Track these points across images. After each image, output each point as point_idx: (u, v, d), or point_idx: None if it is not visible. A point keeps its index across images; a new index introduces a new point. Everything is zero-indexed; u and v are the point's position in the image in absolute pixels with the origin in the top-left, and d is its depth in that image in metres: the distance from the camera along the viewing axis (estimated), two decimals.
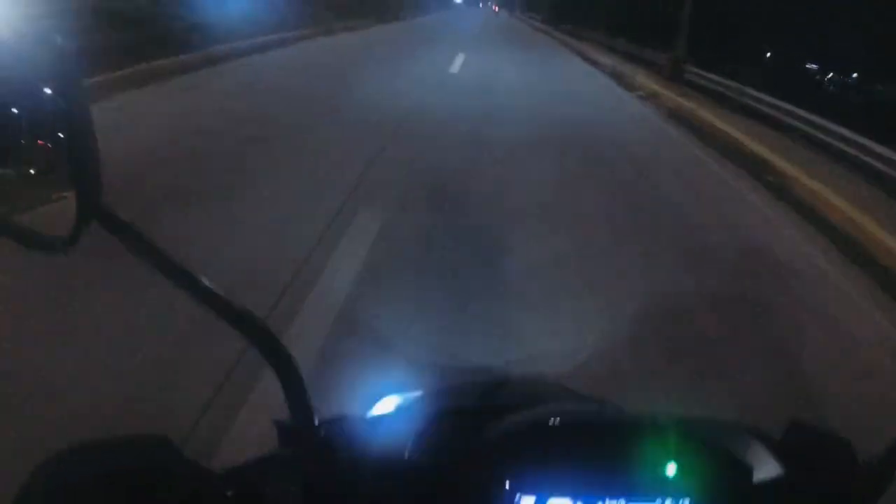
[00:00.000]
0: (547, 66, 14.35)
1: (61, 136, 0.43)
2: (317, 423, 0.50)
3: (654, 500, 0.49)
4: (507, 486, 0.48)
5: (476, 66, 11.98)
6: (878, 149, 5.98)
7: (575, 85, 11.44)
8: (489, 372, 0.86)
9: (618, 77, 13.15)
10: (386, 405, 0.68)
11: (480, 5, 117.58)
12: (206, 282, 0.45)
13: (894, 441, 0.51)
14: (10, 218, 0.46)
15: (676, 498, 0.49)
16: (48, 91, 0.42)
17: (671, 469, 0.49)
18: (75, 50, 0.39)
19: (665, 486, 0.49)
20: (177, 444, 0.48)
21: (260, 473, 0.50)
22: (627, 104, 9.99)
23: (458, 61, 12.56)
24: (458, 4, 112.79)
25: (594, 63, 15.92)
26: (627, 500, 0.49)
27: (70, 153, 0.43)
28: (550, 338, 2.44)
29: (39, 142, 0.44)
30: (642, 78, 12.37)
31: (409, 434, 0.53)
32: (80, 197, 0.43)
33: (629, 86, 11.99)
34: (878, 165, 5.87)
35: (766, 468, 0.51)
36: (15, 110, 0.45)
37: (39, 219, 0.46)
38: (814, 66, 23.67)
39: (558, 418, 0.51)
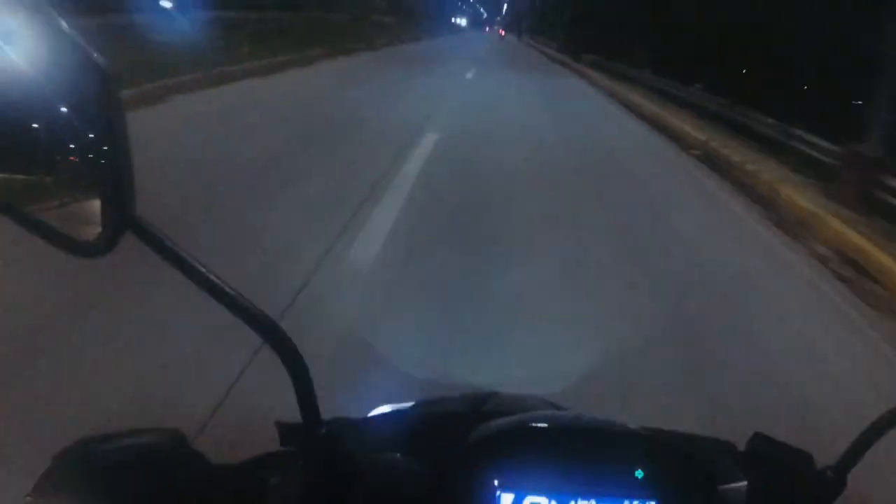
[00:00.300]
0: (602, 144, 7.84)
1: (93, 143, 0.43)
2: (321, 419, 0.53)
3: (622, 502, 0.54)
4: (489, 484, 0.53)
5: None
6: None
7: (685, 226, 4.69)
8: (480, 388, 0.73)
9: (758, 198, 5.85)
10: (383, 411, 0.71)
11: (487, 29, 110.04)
12: (229, 287, 0.47)
13: (847, 452, 0.57)
14: (47, 220, 0.46)
15: (643, 500, 0.54)
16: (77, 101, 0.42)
17: (640, 473, 0.54)
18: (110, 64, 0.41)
19: (633, 490, 0.54)
20: (188, 438, 0.52)
21: (265, 468, 0.54)
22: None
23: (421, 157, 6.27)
24: (463, 28, 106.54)
25: (689, 144, 8.24)
26: (598, 501, 0.53)
27: (106, 163, 0.44)
28: None
29: (71, 157, 0.44)
30: (802, 203, 5.38)
31: (404, 435, 0.59)
32: (115, 207, 0.45)
33: (794, 226, 5.04)
34: None
35: (728, 476, 0.57)
36: (62, 109, 0.43)
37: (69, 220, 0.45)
38: None
39: (538, 423, 0.56)
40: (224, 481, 0.53)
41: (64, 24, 0.42)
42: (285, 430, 0.55)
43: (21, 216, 0.45)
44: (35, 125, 0.43)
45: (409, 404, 0.72)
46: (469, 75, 16.01)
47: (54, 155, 0.44)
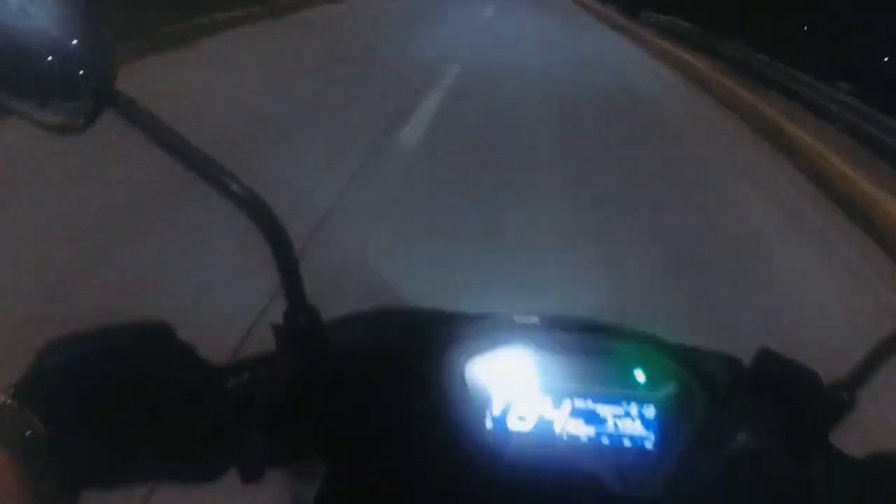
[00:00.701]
0: None
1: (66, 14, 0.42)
2: (307, 303, 0.51)
3: (619, 403, 0.52)
4: (481, 381, 0.51)
5: None
6: None
7: None
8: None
9: None
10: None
11: None
12: (215, 161, 0.47)
13: (855, 369, 0.56)
14: (17, 100, 0.45)
15: (641, 402, 0.52)
16: None
17: (639, 375, 0.52)
18: None
19: (632, 391, 0.52)
20: (177, 332, 0.51)
21: (255, 365, 0.53)
22: None
23: None
24: None
25: None
26: (595, 400, 0.52)
27: (81, 39, 0.43)
28: None
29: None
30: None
31: (394, 332, 0.57)
32: (95, 82, 0.44)
33: None
34: None
35: (731, 388, 0.55)
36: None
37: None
38: None
39: (535, 319, 0.54)
40: (212, 378, 0.52)
41: None
42: (279, 330, 0.54)
43: None
44: None
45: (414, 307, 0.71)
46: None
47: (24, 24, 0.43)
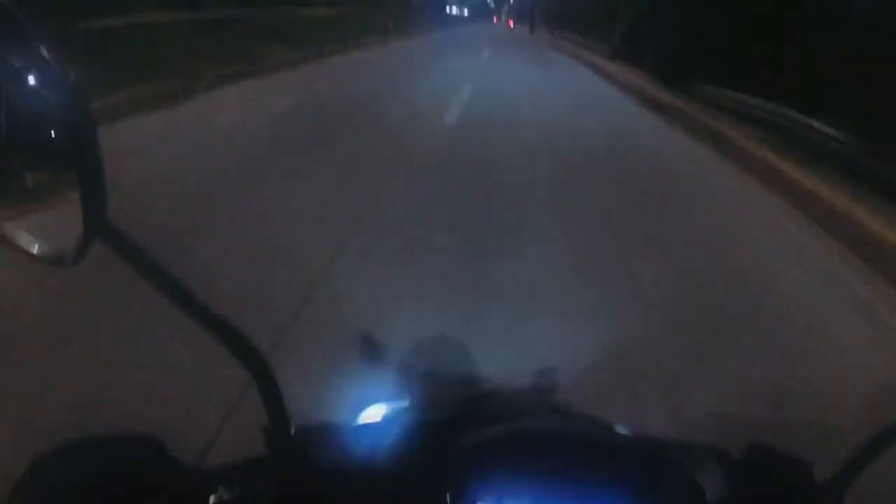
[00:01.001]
0: None
1: (60, 148, 0.43)
2: (293, 430, 0.54)
3: None
4: (468, 496, 0.51)
5: None
6: None
7: None
8: (474, 384, 0.86)
9: None
10: (371, 414, 0.71)
11: (495, 20, 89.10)
12: (199, 299, 0.48)
13: (848, 463, 0.55)
14: (13, 227, 0.46)
15: None
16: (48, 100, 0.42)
17: (628, 487, 0.52)
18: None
19: (623, 503, 0.51)
20: (164, 444, 0.51)
21: (242, 476, 0.53)
22: None
23: None
24: (461, 17, 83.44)
25: None
26: None
27: (77, 168, 0.44)
28: None
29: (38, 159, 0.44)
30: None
31: (384, 443, 0.57)
32: (86, 212, 0.44)
33: None
34: None
35: (724, 487, 0.54)
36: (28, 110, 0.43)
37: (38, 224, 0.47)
38: None
39: (524, 431, 0.55)
40: (202, 490, 0.53)
41: (32, 34, 0.43)
42: (269, 435, 0.56)
43: None
44: None
45: (400, 404, 0.72)
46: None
47: (20, 155, 0.45)
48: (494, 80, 13.06)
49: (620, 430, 0.60)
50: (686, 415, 2.17)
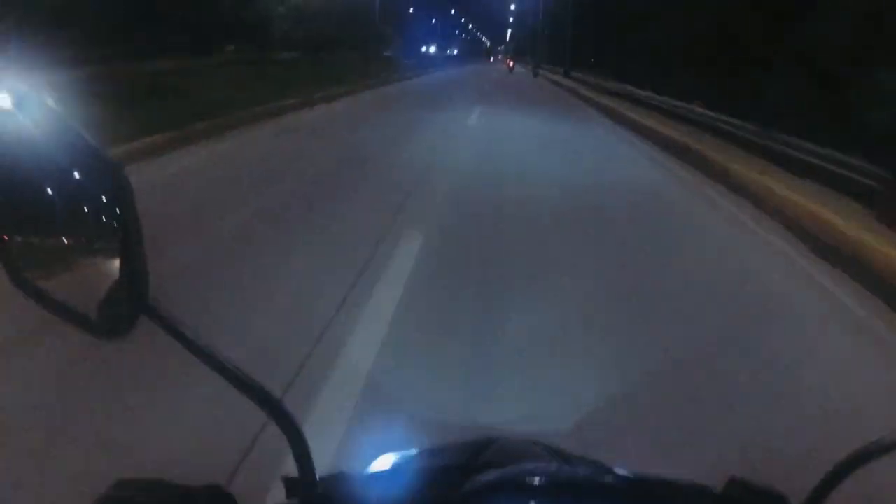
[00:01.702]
0: None
1: (105, 233, 0.46)
2: (317, 478, 0.57)
3: None
4: None
5: None
6: None
7: None
8: (483, 432, 0.82)
9: None
10: (383, 463, 0.73)
11: (491, 59, 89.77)
12: (233, 365, 0.51)
13: (812, 494, 0.56)
14: (66, 299, 0.49)
15: None
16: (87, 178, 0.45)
17: None
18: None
19: None
20: (232, 496, 0.54)
21: None
22: None
23: None
24: (450, 58, 78.89)
25: None
26: None
27: (122, 250, 0.47)
28: None
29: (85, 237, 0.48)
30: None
31: (399, 490, 0.60)
32: (131, 291, 0.48)
33: None
34: None
35: None
36: (75, 176, 0.46)
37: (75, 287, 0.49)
38: None
39: (526, 473, 0.57)
40: None
41: (80, 130, 0.46)
42: (290, 484, 0.58)
43: (35, 290, 0.48)
44: (49, 191, 0.47)
45: (411, 452, 0.76)
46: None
47: (70, 228, 0.48)
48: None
49: (620, 471, 0.62)
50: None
